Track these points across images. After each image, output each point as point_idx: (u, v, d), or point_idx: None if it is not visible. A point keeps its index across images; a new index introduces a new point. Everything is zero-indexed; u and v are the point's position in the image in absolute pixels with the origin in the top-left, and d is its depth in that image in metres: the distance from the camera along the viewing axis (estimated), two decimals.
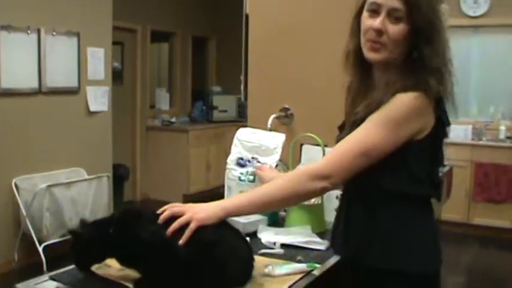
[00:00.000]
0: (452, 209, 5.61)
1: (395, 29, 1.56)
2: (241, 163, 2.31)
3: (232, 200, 1.70)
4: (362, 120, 1.59)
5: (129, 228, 1.56)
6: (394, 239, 1.61)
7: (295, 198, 1.71)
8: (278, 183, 1.64)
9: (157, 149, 7.67)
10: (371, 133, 1.55)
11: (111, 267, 1.67)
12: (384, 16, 1.56)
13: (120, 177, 6.65)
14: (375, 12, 1.59)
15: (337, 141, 1.73)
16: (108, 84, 5.93)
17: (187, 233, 1.51)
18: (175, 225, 1.52)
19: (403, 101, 1.52)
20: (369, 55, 1.62)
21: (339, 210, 1.80)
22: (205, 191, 7.54)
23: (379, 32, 1.57)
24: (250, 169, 2.28)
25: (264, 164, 2.24)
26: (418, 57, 1.56)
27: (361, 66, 1.69)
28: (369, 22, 1.60)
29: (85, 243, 1.57)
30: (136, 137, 7.64)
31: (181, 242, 1.50)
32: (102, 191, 5.39)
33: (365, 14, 1.62)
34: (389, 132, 1.53)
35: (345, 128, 1.73)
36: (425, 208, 1.67)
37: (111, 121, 5.98)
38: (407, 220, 1.62)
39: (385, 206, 1.62)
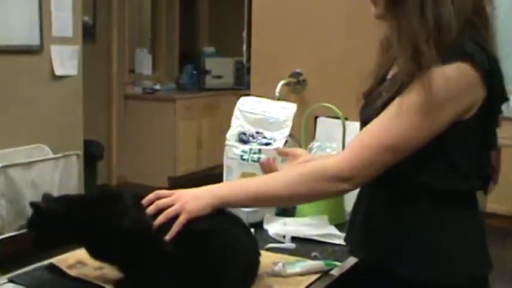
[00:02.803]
0: (498, 199, 5.56)
1: None
2: (243, 139, 2.31)
3: (230, 187, 1.72)
4: (390, 99, 1.56)
5: (107, 213, 1.56)
6: (431, 244, 1.60)
7: (308, 199, 1.77)
8: (288, 178, 1.64)
9: (138, 122, 7.67)
10: (401, 122, 1.52)
11: (87, 265, 1.67)
12: None
13: (92, 156, 6.64)
14: None
15: (362, 115, 1.71)
16: (78, 42, 5.88)
17: (175, 227, 1.53)
18: (161, 218, 1.55)
19: (441, 77, 1.48)
20: None
21: (358, 201, 1.79)
22: (196, 173, 7.56)
23: None
24: (254, 146, 2.27)
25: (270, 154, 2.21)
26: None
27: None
28: None
29: (46, 218, 1.58)
30: (112, 108, 7.64)
31: (167, 237, 1.52)
32: (70, 172, 5.37)
33: None
34: (425, 120, 1.50)
35: (372, 98, 1.69)
36: (469, 204, 1.65)
37: (82, 88, 5.95)
38: (446, 220, 1.60)
39: (418, 203, 1.60)
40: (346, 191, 1.62)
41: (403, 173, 1.57)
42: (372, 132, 1.57)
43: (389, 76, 1.67)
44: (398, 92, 1.54)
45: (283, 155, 2.09)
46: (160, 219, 1.54)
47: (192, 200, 1.57)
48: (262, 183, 1.68)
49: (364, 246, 1.74)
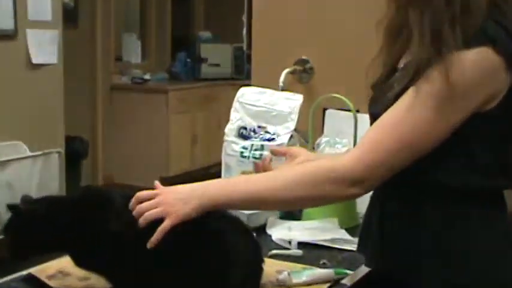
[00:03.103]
0: None
1: None
2: (244, 134, 2.32)
3: (222, 186, 1.70)
4: (404, 90, 1.56)
5: (93, 214, 1.57)
6: (445, 243, 1.61)
7: (312, 203, 1.79)
8: (289, 178, 1.64)
9: (126, 116, 7.67)
10: (416, 114, 1.52)
11: (70, 275, 1.68)
12: None
13: (75, 153, 6.64)
14: None
15: (371, 109, 1.72)
16: (57, 27, 5.87)
17: (158, 233, 1.52)
18: (141, 222, 1.54)
19: (461, 63, 1.48)
20: None
21: (372, 204, 1.79)
22: (191, 172, 7.56)
23: None
24: (255, 142, 2.28)
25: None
26: None
27: None
28: None
29: (26, 221, 1.58)
30: (97, 100, 7.64)
31: (149, 245, 1.52)
32: (50, 172, 5.38)
33: None
34: (443, 111, 1.50)
35: (382, 90, 1.70)
36: (493, 203, 1.64)
37: (63, 78, 5.95)
38: (469, 222, 1.60)
39: (437, 204, 1.60)
40: (356, 196, 1.63)
41: (421, 170, 1.58)
42: (384, 127, 1.57)
43: (400, 65, 1.67)
44: (412, 82, 1.54)
45: (279, 154, 2.05)
46: (141, 223, 1.54)
47: (177, 203, 1.56)
48: (260, 182, 1.67)
49: (378, 249, 1.74)
